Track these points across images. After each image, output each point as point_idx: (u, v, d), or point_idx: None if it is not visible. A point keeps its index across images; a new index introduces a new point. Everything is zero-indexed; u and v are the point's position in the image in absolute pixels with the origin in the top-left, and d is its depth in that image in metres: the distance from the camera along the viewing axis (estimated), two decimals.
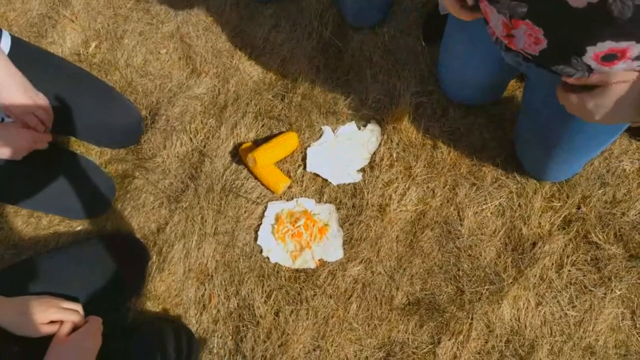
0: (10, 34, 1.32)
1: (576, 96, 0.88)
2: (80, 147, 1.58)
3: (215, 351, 1.36)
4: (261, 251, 1.44)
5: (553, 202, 1.42)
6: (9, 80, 1.19)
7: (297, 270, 1.42)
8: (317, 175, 1.50)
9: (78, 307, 1.12)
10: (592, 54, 0.81)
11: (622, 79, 0.82)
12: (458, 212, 1.43)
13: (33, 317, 1.06)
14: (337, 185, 1.48)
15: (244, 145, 1.52)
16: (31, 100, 1.21)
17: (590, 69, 0.85)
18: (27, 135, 1.23)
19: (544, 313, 1.33)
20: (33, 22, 1.77)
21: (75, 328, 1.08)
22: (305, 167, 1.50)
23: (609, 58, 0.80)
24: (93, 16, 1.77)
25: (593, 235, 1.37)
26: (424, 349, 1.32)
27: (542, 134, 1.22)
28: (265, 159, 1.45)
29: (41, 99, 1.24)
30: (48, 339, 1.04)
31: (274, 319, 1.38)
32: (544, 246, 1.37)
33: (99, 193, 1.46)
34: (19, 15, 1.79)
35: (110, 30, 1.74)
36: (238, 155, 1.52)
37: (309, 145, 1.52)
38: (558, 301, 1.34)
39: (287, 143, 1.50)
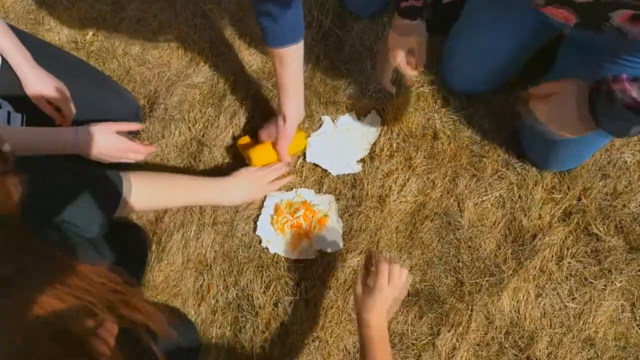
0: (7, 23, 1.30)
1: (539, 104, 1.02)
2: None
3: (214, 342, 1.36)
4: (260, 241, 1.43)
5: (553, 193, 1.41)
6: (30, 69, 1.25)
7: (296, 261, 1.41)
8: (317, 166, 1.49)
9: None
10: (617, 18, 0.88)
11: (564, 89, 0.96)
12: (458, 204, 1.43)
13: (260, 181, 1.39)
14: (337, 176, 1.47)
15: (241, 141, 1.50)
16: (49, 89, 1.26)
17: (622, 33, 0.92)
18: (119, 143, 1.23)
19: (544, 305, 1.33)
20: (30, 9, 1.75)
21: None
22: (305, 157, 1.49)
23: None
24: (90, 3, 1.74)
25: (593, 227, 1.37)
26: (423, 340, 1.32)
27: None
28: (261, 160, 1.42)
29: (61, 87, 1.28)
30: None
31: (273, 309, 1.37)
32: (544, 238, 1.37)
33: None
34: (16, 1, 1.76)
35: (107, 17, 1.72)
36: (236, 147, 1.51)
37: (308, 135, 1.51)
38: (558, 293, 1.34)
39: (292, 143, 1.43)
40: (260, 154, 1.41)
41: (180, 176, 1.33)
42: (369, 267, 1.09)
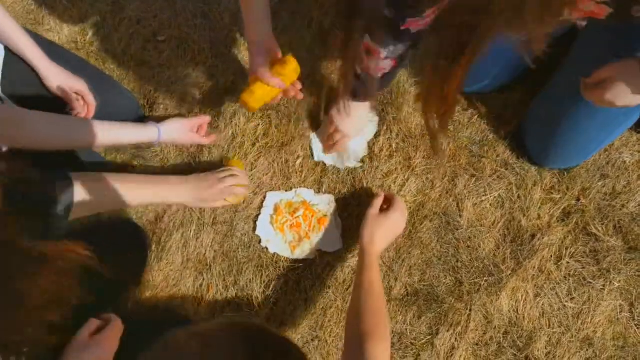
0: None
1: (598, 91, 1.06)
2: None
3: None
4: (260, 241, 1.43)
5: (552, 193, 1.42)
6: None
7: (295, 261, 1.41)
8: (317, 165, 1.49)
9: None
10: None
11: (624, 71, 1.01)
12: (457, 204, 1.43)
13: (215, 183, 1.37)
14: (337, 176, 1.47)
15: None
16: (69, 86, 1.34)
17: None
18: (192, 139, 1.45)
19: (543, 305, 1.33)
20: (30, 9, 1.75)
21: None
22: (312, 156, 1.50)
23: None
24: (90, 3, 1.74)
25: (592, 227, 1.37)
26: (422, 339, 1.33)
27: (573, 99, 1.25)
28: (257, 99, 1.28)
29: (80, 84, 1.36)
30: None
31: (272, 309, 1.38)
32: (543, 238, 1.37)
33: None
34: (16, 1, 1.76)
35: (107, 17, 1.72)
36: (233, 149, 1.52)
37: (310, 133, 1.51)
38: (556, 293, 1.34)
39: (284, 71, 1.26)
40: (250, 93, 1.26)
41: (128, 175, 1.37)
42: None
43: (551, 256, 1.36)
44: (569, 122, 1.26)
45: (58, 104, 1.35)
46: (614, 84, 1.04)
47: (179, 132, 1.41)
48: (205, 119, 1.49)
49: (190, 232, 1.45)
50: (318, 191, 1.47)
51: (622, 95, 1.04)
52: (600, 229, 1.37)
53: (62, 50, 1.47)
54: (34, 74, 1.32)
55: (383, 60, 1.17)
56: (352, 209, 1.44)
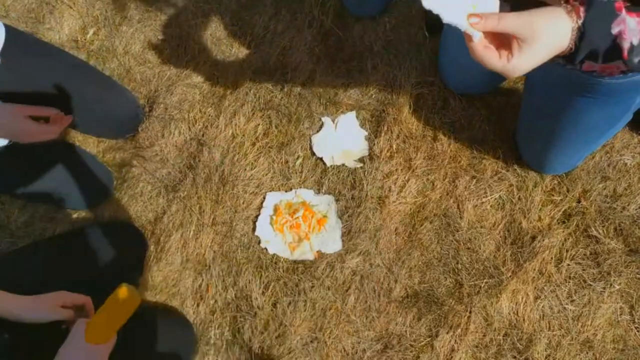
0: (5, 25, 1.30)
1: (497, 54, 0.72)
2: (78, 136, 1.56)
3: (212, 342, 1.36)
4: (259, 242, 1.43)
5: (553, 195, 1.41)
6: None
7: (295, 262, 1.41)
8: (316, 166, 1.49)
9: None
10: None
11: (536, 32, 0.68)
12: (458, 205, 1.42)
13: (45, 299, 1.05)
14: (337, 176, 1.47)
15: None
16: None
17: None
18: (28, 126, 1.19)
19: (543, 307, 1.33)
20: (30, 8, 1.75)
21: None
22: (312, 153, 1.50)
23: None
24: (91, 2, 1.74)
25: (593, 229, 1.37)
26: (422, 341, 1.32)
27: (542, 123, 1.23)
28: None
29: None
30: (39, 328, 1.03)
31: (272, 310, 1.37)
32: (543, 240, 1.37)
33: (96, 184, 1.45)
34: (16, 0, 1.76)
35: (108, 17, 1.72)
36: (234, 148, 1.51)
37: (310, 135, 1.51)
38: (557, 295, 1.34)
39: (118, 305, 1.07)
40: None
41: None
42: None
43: (551, 258, 1.36)
44: (552, 131, 1.22)
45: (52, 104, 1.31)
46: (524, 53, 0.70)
47: (8, 117, 1.16)
48: (51, 111, 1.26)
49: (190, 232, 1.45)
50: (318, 192, 1.47)
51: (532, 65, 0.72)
52: (600, 231, 1.37)
53: (59, 51, 1.46)
54: (31, 70, 1.30)
55: None
56: (352, 210, 1.44)
